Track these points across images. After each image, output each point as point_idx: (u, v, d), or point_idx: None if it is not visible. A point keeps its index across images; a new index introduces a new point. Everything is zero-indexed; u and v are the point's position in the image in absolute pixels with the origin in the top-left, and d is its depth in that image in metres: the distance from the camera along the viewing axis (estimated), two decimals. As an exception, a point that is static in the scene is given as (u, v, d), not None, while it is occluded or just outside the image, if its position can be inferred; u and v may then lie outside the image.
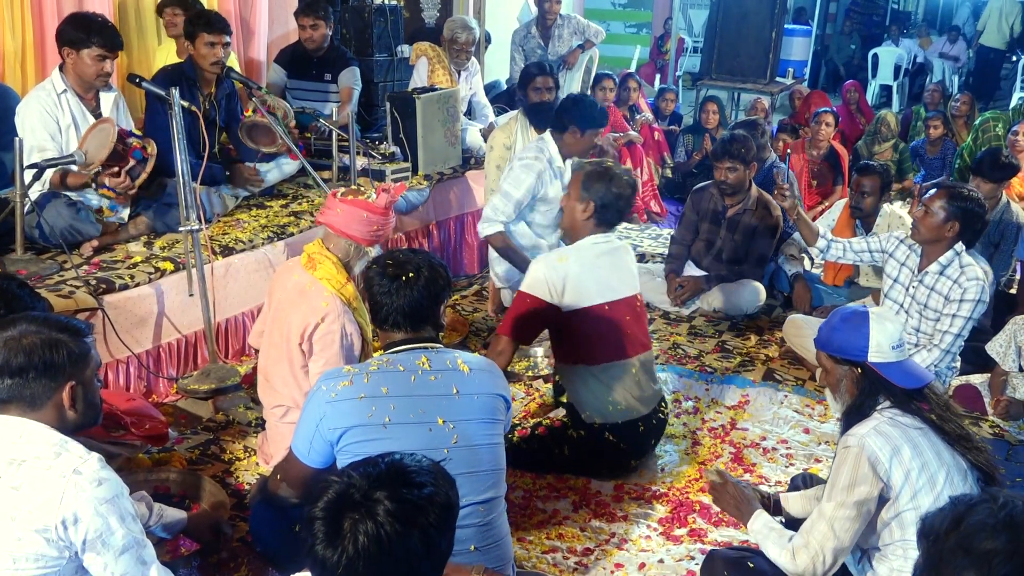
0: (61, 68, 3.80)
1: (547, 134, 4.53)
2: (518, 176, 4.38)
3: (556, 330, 3.33)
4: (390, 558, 1.41)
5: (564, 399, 3.44)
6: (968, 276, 3.71)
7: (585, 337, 3.27)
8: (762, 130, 5.64)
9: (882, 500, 2.32)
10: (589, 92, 7.49)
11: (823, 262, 4.68)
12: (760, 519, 2.54)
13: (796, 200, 4.32)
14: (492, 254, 4.71)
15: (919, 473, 2.27)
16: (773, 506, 2.88)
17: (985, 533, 1.47)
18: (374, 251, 3.10)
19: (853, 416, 2.41)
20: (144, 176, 3.70)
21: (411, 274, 2.32)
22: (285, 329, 3.00)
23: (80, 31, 3.70)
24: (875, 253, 4.12)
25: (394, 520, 1.42)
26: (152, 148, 3.73)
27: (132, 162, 3.64)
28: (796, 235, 5.12)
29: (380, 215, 3.00)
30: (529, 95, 5.12)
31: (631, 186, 3.34)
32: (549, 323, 3.27)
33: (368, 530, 1.40)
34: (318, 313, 2.93)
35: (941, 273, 3.78)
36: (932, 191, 3.82)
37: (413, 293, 2.31)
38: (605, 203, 3.29)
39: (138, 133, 3.85)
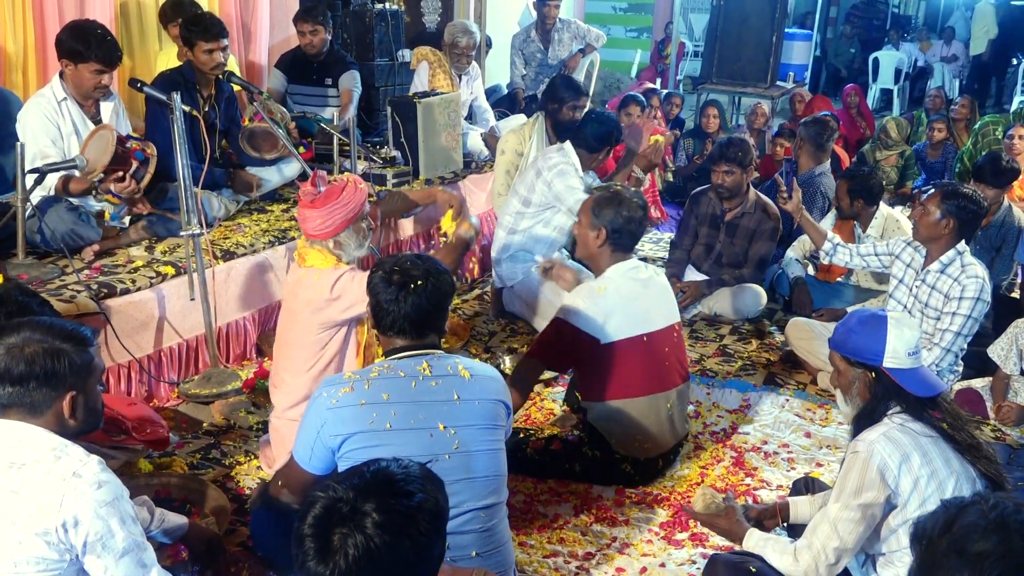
0: (61, 75, 3.80)
1: (567, 143, 4.57)
2: (569, 184, 4.41)
3: (589, 364, 3.24)
4: (383, 569, 1.41)
5: (585, 417, 3.37)
6: (968, 274, 3.76)
7: (621, 371, 3.20)
8: (829, 133, 5.51)
9: (890, 506, 2.32)
10: (588, 96, 7.50)
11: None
12: (753, 537, 2.56)
13: (800, 203, 4.32)
14: (495, 255, 4.72)
15: (928, 481, 2.27)
16: (783, 515, 2.88)
17: (977, 534, 1.47)
18: (345, 236, 3.01)
19: (863, 420, 2.41)
20: (148, 177, 3.70)
21: (419, 282, 2.31)
22: (297, 310, 3.02)
23: (79, 44, 3.66)
24: (882, 256, 4.14)
25: (384, 531, 1.41)
26: (152, 149, 3.73)
27: (135, 164, 3.63)
28: (798, 240, 5.12)
29: (305, 207, 2.97)
30: (563, 111, 5.04)
31: (642, 208, 3.30)
32: (584, 355, 3.19)
33: (358, 543, 1.40)
34: (329, 277, 2.92)
35: (942, 272, 3.82)
36: (930, 191, 3.89)
37: (420, 301, 2.30)
38: (616, 228, 3.25)
39: (136, 136, 3.85)
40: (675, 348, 3.34)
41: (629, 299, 3.22)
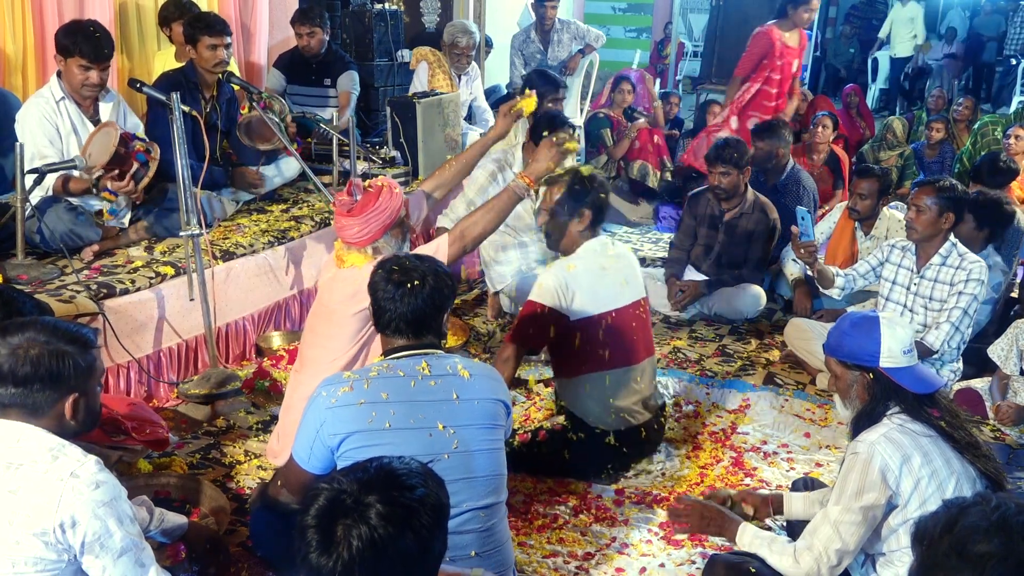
0: (59, 75, 3.81)
1: (520, 143, 4.58)
2: (474, 175, 4.45)
3: (559, 341, 3.29)
4: (385, 561, 1.41)
5: (563, 404, 3.43)
6: (969, 260, 3.85)
7: (590, 346, 3.25)
8: (780, 125, 5.53)
9: (890, 507, 2.32)
10: (588, 98, 7.51)
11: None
12: (747, 532, 2.56)
13: (816, 255, 4.20)
14: (484, 257, 4.71)
15: (928, 481, 2.27)
16: (775, 506, 2.89)
17: (978, 536, 1.46)
18: (384, 242, 2.99)
19: (863, 422, 2.41)
20: (147, 179, 3.70)
21: (416, 282, 2.31)
22: (334, 305, 2.95)
23: (67, 39, 3.70)
24: (877, 268, 4.20)
25: (387, 523, 1.41)
26: (156, 152, 3.73)
27: (136, 165, 3.63)
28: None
29: (342, 216, 2.94)
30: (542, 106, 5.10)
31: (604, 182, 3.38)
32: (557, 332, 3.24)
33: (362, 534, 1.40)
34: (368, 267, 2.80)
35: (943, 264, 3.89)
36: (915, 190, 3.95)
37: (416, 301, 2.30)
38: (599, 206, 3.30)
39: (142, 136, 3.85)
40: (641, 323, 3.39)
41: (598, 276, 3.27)
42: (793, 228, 4.16)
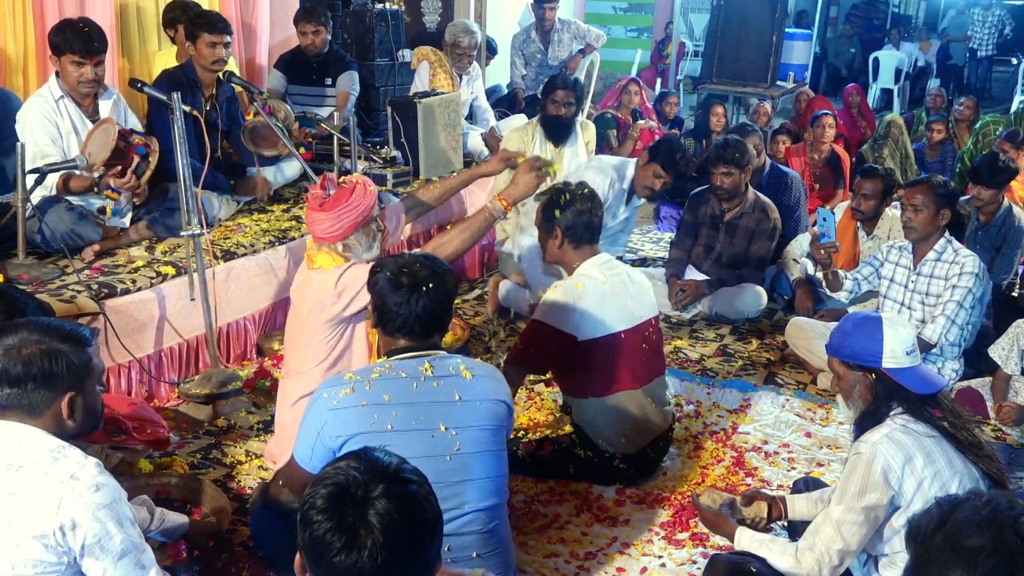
0: (58, 74, 3.81)
1: (633, 160, 4.71)
2: (592, 178, 4.37)
3: (566, 363, 3.23)
4: (408, 537, 1.40)
5: (572, 418, 3.40)
6: (963, 254, 3.94)
7: (599, 368, 3.19)
8: (758, 135, 5.60)
9: (893, 507, 2.32)
10: (589, 97, 7.52)
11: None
12: (744, 536, 2.55)
13: (829, 262, 4.18)
14: (521, 222, 4.69)
15: (931, 482, 2.27)
16: (776, 508, 2.88)
17: (970, 530, 1.48)
18: (355, 239, 2.94)
19: (866, 422, 2.41)
20: (149, 173, 3.69)
21: (430, 284, 2.31)
22: (304, 312, 2.96)
23: (57, 37, 3.71)
24: (879, 268, 4.23)
25: (401, 500, 1.41)
26: (155, 144, 3.73)
27: (136, 159, 3.63)
28: (795, 240, 5.12)
29: (314, 210, 2.90)
30: (547, 107, 5.12)
31: (588, 198, 3.25)
32: (562, 353, 3.17)
33: (381, 511, 1.39)
34: (332, 275, 2.86)
35: (938, 260, 3.96)
36: (908, 190, 3.99)
37: (429, 303, 2.30)
38: (569, 225, 3.21)
39: (140, 131, 3.84)
40: (652, 344, 3.34)
41: (607, 295, 3.20)
42: (813, 229, 4.16)
